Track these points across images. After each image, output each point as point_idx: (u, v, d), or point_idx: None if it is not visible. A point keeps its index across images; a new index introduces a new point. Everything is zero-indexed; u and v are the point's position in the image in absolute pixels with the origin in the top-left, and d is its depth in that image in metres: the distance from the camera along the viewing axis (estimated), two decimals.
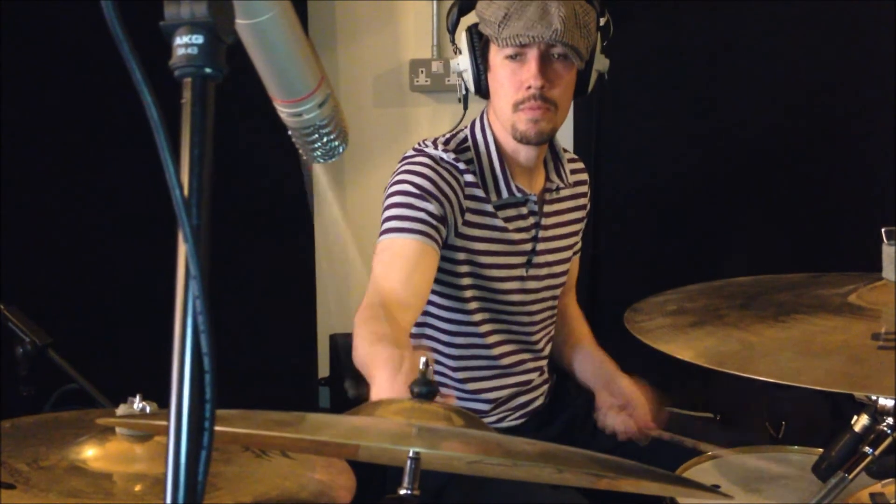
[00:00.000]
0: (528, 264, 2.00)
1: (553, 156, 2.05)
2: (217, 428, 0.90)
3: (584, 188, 2.15)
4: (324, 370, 3.13)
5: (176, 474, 0.76)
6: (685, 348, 1.35)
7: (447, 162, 1.90)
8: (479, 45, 1.92)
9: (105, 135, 2.61)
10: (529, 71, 1.84)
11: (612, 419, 1.98)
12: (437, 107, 3.06)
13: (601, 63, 1.96)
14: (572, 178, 2.09)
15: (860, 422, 1.37)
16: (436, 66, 3.01)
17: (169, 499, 0.76)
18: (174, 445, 0.76)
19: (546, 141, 1.95)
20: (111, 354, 2.56)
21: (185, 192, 0.77)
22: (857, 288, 1.46)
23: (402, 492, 1.17)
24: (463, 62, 1.94)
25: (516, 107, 1.87)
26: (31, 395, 1.88)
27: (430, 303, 1.95)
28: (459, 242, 1.91)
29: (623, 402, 1.98)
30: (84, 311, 2.60)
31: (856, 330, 1.32)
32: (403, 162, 1.91)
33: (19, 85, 2.47)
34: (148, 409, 1.39)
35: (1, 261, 2.32)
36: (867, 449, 1.33)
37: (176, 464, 0.76)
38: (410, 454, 1.16)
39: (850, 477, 1.33)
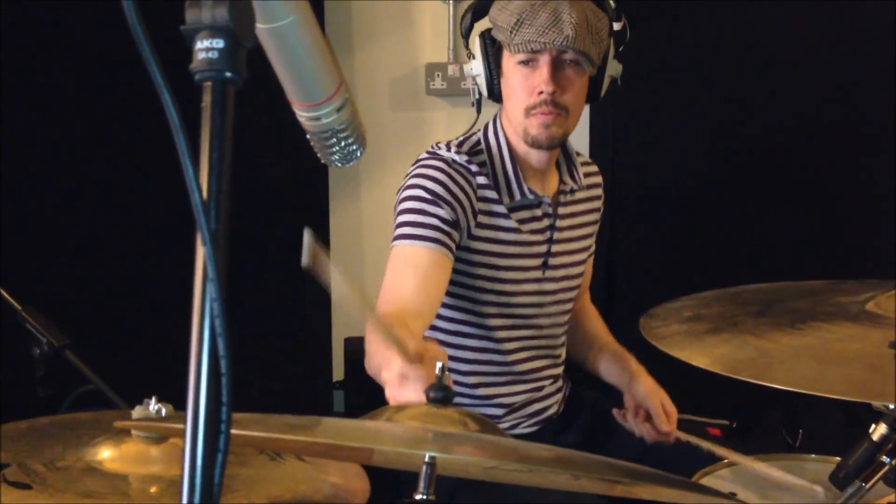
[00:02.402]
0: (545, 266, 2.00)
1: (566, 158, 2.05)
2: (232, 431, 0.90)
3: (598, 191, 2.15)
4: (338, 374, 3.13)
5: (192, 477, 0.76)
6: (700, 355, 1.34)
7: (459, 164, 1.90)
8: (493, 51, 1.93)
9: (125, 138, 2.62)
10: (541, 76, 1.85)
11: (631, 423, 1.98)
12: (452, 111, 3.06)
13: (614, 68, 1.96)
14: (586, 181, 2.09)
15: (878, 431, 1.36)
16: (452, 70, 3.01)
17: (185, 501, 0.76)
18: (190, 448, 0.76)
19: (557, 146, 1.96)
20: (128, 356, 2.57)
21: (204, 195, 0.77)
22: (875, 296, 1.45)
23: (418, 496, 1.17)
24: (476, 67, 1.95)
25: (528, 112, 1.88)
26: (48, 395, 1.88)
27: (442, 306, 1.94)
28: (473, 245, 1.91)
29: (638, 406, 1.98)
30: (101, 313, 2.61)
31: (873, 338, 1.31)
32: (416, 165, 1.92)
33: (41, 89, 2.49)
34: (163, 411, 1.39)
35: (19, 262, 2.33)
36: (884, 458, 1.32)
37: (192, 466, 0.76)
38: (426, 459, 1.16)
39: (867, 486, 1.32)
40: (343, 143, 1.03)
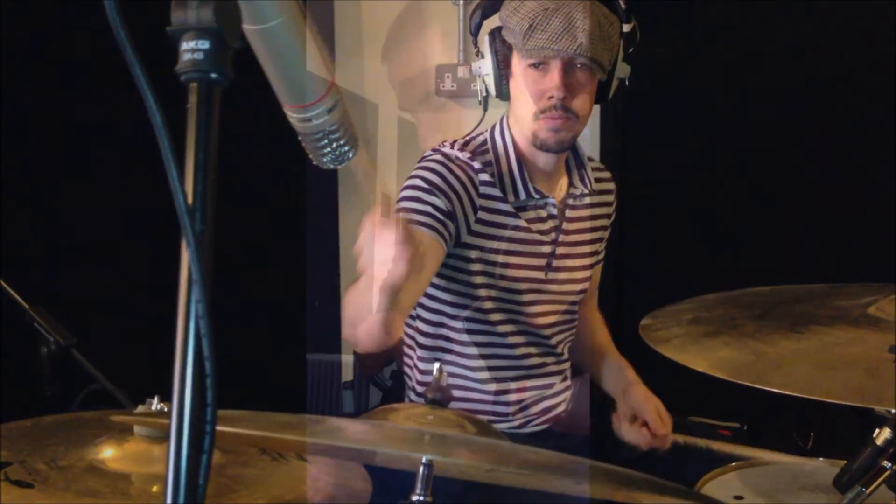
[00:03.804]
0: (548, 267, 2.00)
1: (577, 162, 2.04)
2: (233, 430, 0.90)
3: (610, 197, 2.14)
4: (347, 374, 3.13)
5: (177, 477, 0.76)
6: (699, 358, 1.33)
7: (461, 160, 1.91)
8: (502, 50, 1.92)
9: (134, 137, 2.62)
10: (552, 81, 1.84)
11: (626, 430, 1.98)
12: (462, 112, 3.05)
13: (622, 70, 1.95)
14: (597, 187, 2.08)
15: (882, 435, 1.34)
16: (462, 72, 3.01)
17: (169, 501, 0.76)
18: (175, 448, 0.77)
19: (566, 149, 1.96)
20: (135, 355, 2.58)
21: (190, 198, 0.78)
22: (877, 299, 1.43)
23: (415, 498, 1.17)
24: (485, 66, 1.94)
25: (537, 115, 1.87)
26: (55, 394, 1.89)
27: (443, 302, 1.95)
28: (472, 240, 1.91)
29: (633, 413, 1.98)
30: (109, 312, 2.62)
31: (873, 342, 1.29)
32: (420, 161, 1.93)
33: (45, 89, 2.50)
34: (166, 410, 1.39)
35: (27, 261, 2.34)
36: (886, 463, 1.31)
37: (176, 467, 0.76)
38: (424, 461, 1.16)
39: (868, 491, 1.30)
40: (335, 145, 1.03)
